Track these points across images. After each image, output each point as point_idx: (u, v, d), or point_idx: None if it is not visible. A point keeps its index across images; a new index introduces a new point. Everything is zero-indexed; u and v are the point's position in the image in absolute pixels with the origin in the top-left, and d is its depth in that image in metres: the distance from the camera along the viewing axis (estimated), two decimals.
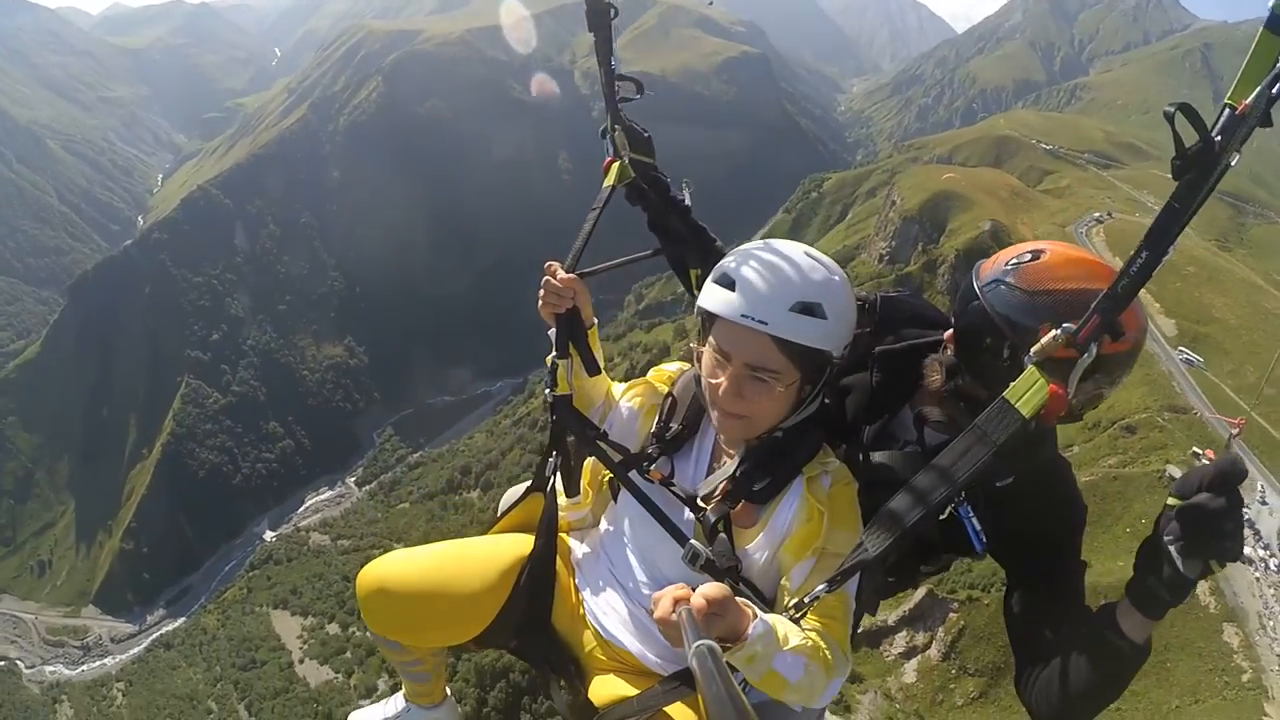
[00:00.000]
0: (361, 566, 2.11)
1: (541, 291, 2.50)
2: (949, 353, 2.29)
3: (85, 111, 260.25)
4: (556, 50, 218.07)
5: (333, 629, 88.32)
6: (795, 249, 2.18)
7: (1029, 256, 2.09)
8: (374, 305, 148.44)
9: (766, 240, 2.23)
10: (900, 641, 49.18)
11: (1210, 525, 1.60)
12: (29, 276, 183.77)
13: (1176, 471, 48.79)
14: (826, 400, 2.35)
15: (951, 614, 46.81)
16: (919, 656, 47.66)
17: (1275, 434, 52.97)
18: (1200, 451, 50.62)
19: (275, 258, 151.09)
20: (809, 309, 2.06)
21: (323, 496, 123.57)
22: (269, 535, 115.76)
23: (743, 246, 2.24)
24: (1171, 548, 1.67)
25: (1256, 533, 45.67)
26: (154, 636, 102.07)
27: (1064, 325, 1.76)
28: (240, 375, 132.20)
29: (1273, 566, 43.49)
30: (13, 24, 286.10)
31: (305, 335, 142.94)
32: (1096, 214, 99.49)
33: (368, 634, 2.49)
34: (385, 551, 2.60)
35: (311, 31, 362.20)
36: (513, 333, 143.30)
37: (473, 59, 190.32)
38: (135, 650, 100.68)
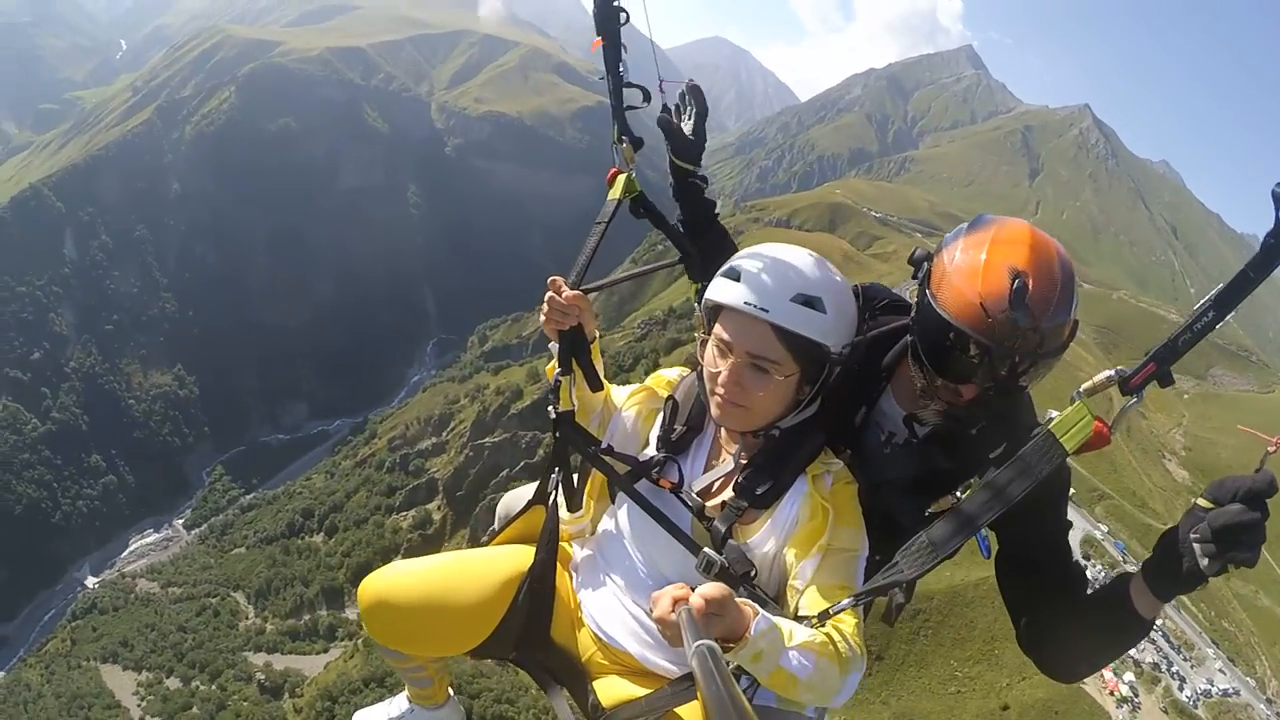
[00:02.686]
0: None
1: (545, 308, 2.37)
2: (912, 351, 2.23)
3: None
4: (415, 80, 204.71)
5: (173, 683, 76.66)
6: (800, 251, 2.16)
7: (1018, 285, 1.94)
8: (207, 332, 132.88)
9: (773, 244, 2.21)
10: None
11: (1239, 535, 1.61)
12: None
13: None
14: (826, 400, 2.26)
15: None
16: None
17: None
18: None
19: (105, 272, 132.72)
20: (809, 302, 2.04)
21: (148, 540, 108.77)
22: (91, 581, 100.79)
23: (752, 248, 2.22)
24: (1196, 545, 1.66)
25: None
26: None
27: (1118, 370, 1.78)
28: (61, 400, 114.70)
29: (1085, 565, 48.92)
30: None
31: (133, 360, 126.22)
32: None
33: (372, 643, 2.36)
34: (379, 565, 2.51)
35: (162, 27, 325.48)
36: (352, 369, 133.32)
37: (330, 79, 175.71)
38: None
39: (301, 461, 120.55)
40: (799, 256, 2.13)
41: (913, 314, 2.19)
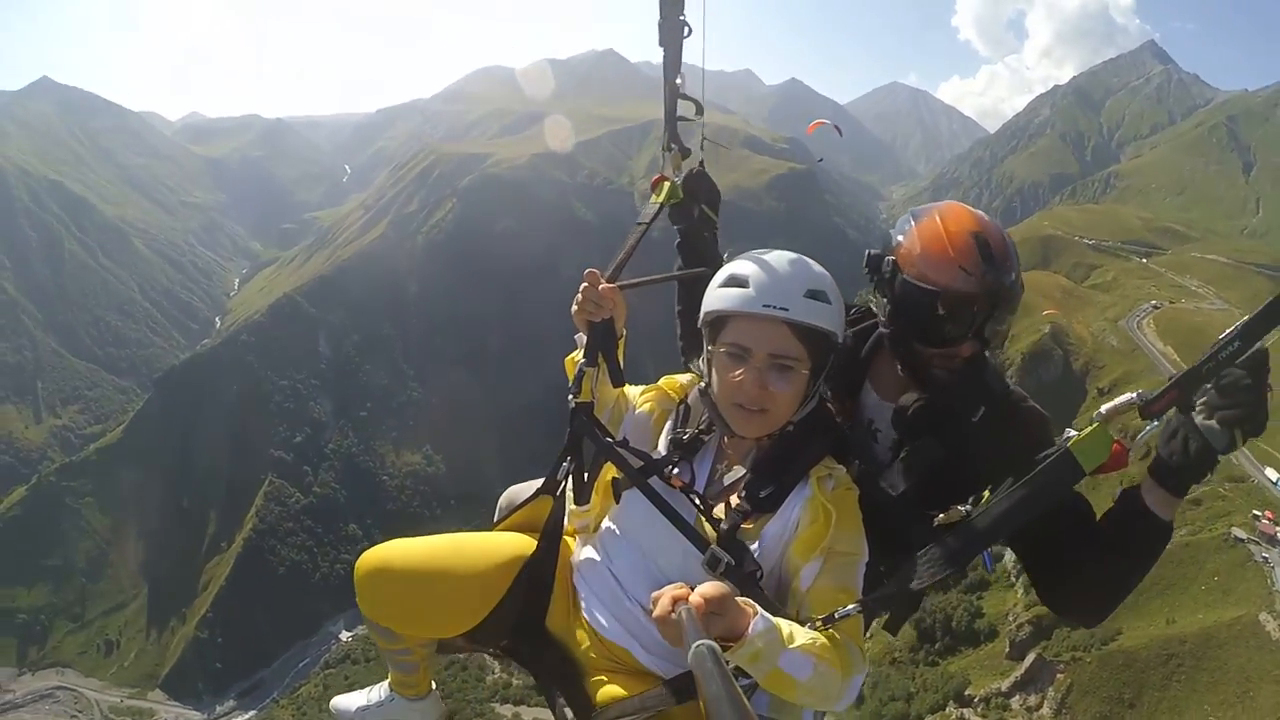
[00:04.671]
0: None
1: (579, 297, 2.52)
2: (885, 328, 2.54)
3: (167, 214, 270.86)
4: (615, 173, 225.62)
5: None
6: (783, 251, 2.30)
7: (982, 242, 2.33)
8: (451, 415, 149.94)
9: (755, 249, 2.36)
10: (1016, 705, 51.25)
11: (1243, 398, 1.69)
12: (110, 365, 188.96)
13: (1241, 533, 51.60)
14: (827, 396, 2.44)
15: (1059, 674, 49.06)
16: (1034, 715, 49.73)
17: None
18: (1260, 513, 53.07)
19: (357, 366, 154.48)
20: (817, 295, 2.18)
21: None
22: (345, 635, 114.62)
23: (737, 257, 2.37)
24: (1202, 422, 1.75)
25: None
26: None
27: (1140, 393, 1.86)
28: (322, 477, 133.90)
29: None
30: (101, 124, 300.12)
31: (385, 442, 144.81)
32: (1154, 302, 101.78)
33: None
34: None
35: (380, 150, 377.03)
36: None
37: (540, 181, 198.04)
38: None
39: None
40: (791, 255, 2.29)
41: (891, 305, 2.47)
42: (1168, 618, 47.78)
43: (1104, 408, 1.89)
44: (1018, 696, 51.88)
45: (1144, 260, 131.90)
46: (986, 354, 2.43)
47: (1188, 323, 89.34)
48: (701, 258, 3.22)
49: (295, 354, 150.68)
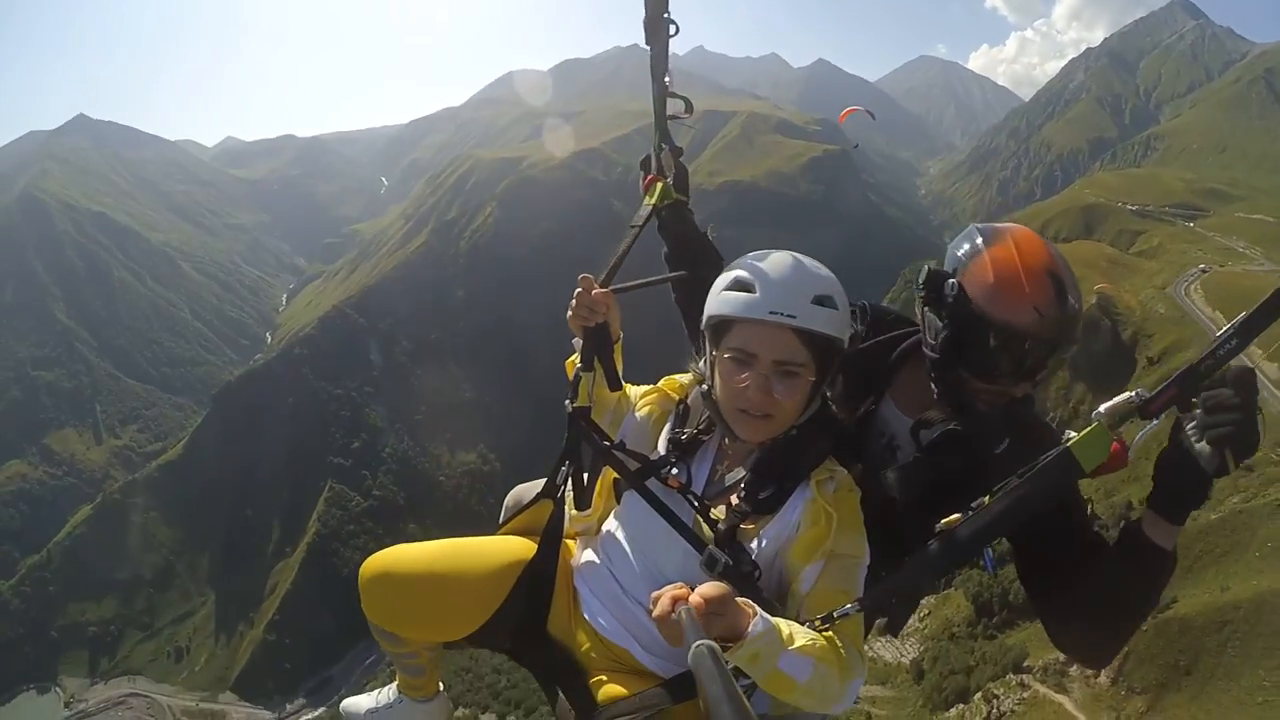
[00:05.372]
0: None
1: (573, 303, 2.56)
2: (933, 351, 2.44)
3: (212, 236, 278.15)
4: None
5: (489, 718, 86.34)
6: (790, 254, 2.30)
7: (1058, 284, 2.26)
8: (502, 415, 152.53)
9: (760, 251, 2.34)
10: (1074, 673, 51.57)
11: (1231, 417, 1.69)
12: (165, 385, 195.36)
13: None
14: (829, 396, 2.39)
15: None
16: (1092, 683, 50.12)
17: None
18: None
19: (409, 371, 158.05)
20: (824, 300, 2.18)
21: None
22: None
23: (742, 258, 2.36)
24: (1192, 444, 1.77)
25: None
26: None
27: (1138, 392, 1.84)
28: (380, 480, 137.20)
29: None
30: (140, 155, 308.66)
31: (440, 444, 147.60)
32: (1202, 266, 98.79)
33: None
34: None
35: (416, 161, 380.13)
36: None
37: (577, 181, 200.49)
38: None
39: None
40: (798, 258, 2.28)
41: (947, 332, 2.36)
42: (1222, 585, 47.74)
43: (1103, 407, 1.87)
44: (1075, 666, 52.35)
45: (1189, 224, 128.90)
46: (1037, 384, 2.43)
47: (1236, 286, 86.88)
48: (683, 239, 3.29)
49: (347, 363, 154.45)
